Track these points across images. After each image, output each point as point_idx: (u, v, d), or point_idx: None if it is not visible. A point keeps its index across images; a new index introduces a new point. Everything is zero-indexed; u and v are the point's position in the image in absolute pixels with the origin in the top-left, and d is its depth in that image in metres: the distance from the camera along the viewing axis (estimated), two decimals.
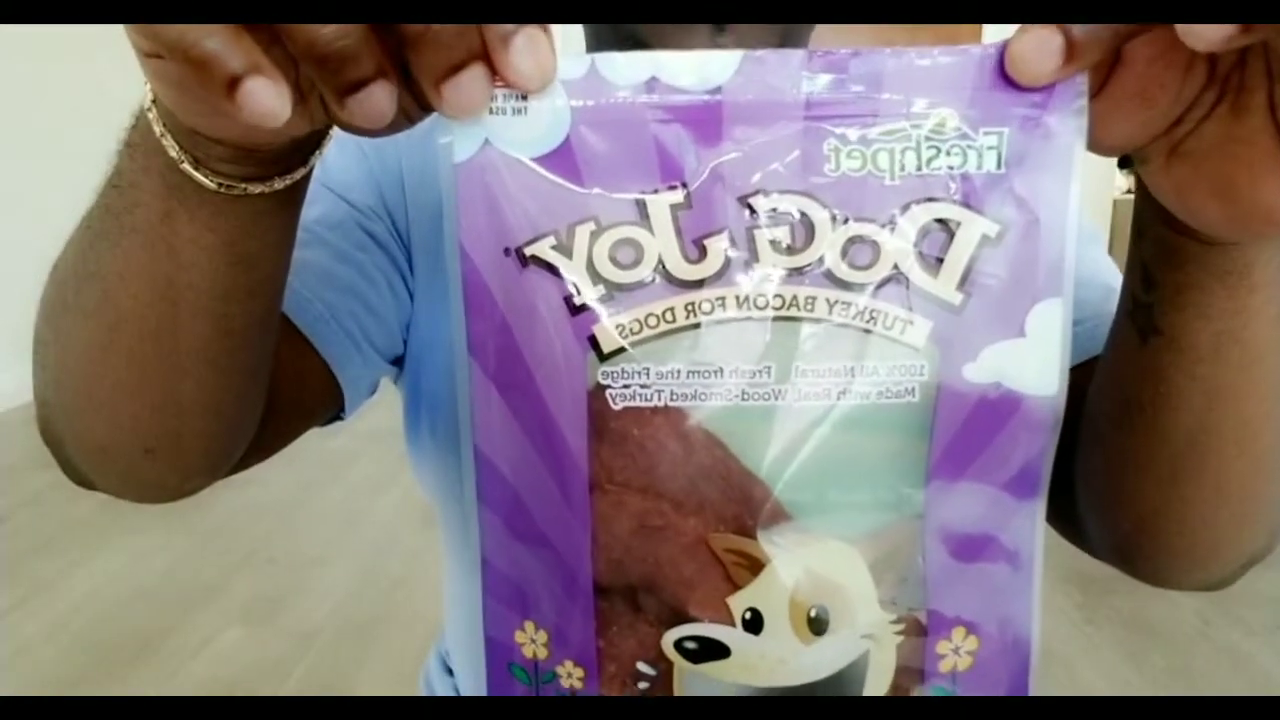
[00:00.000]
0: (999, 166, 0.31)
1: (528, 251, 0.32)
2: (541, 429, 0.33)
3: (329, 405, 0.51)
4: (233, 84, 0.25)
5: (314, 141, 0.33)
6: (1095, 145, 0.32)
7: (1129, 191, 3.26)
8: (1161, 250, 0.34)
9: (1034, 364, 0.32)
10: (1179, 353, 0.35)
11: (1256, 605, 1.89)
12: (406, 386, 0.57)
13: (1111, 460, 0.40)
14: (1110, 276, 0.52)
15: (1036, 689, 0.36)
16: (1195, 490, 0.38)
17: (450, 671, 0.69)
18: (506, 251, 0.32)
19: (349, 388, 0.50)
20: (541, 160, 0.31)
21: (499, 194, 0.31)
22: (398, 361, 0.55)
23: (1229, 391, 0.36)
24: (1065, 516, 0.45)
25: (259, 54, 0.26)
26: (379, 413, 0.62)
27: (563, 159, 0.31)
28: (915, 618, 0.35)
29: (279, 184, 0.33)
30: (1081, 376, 0.41)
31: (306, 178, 0.34)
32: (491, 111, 0.30)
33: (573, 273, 0.32)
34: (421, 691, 0.72)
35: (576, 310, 0.32)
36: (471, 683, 0.63)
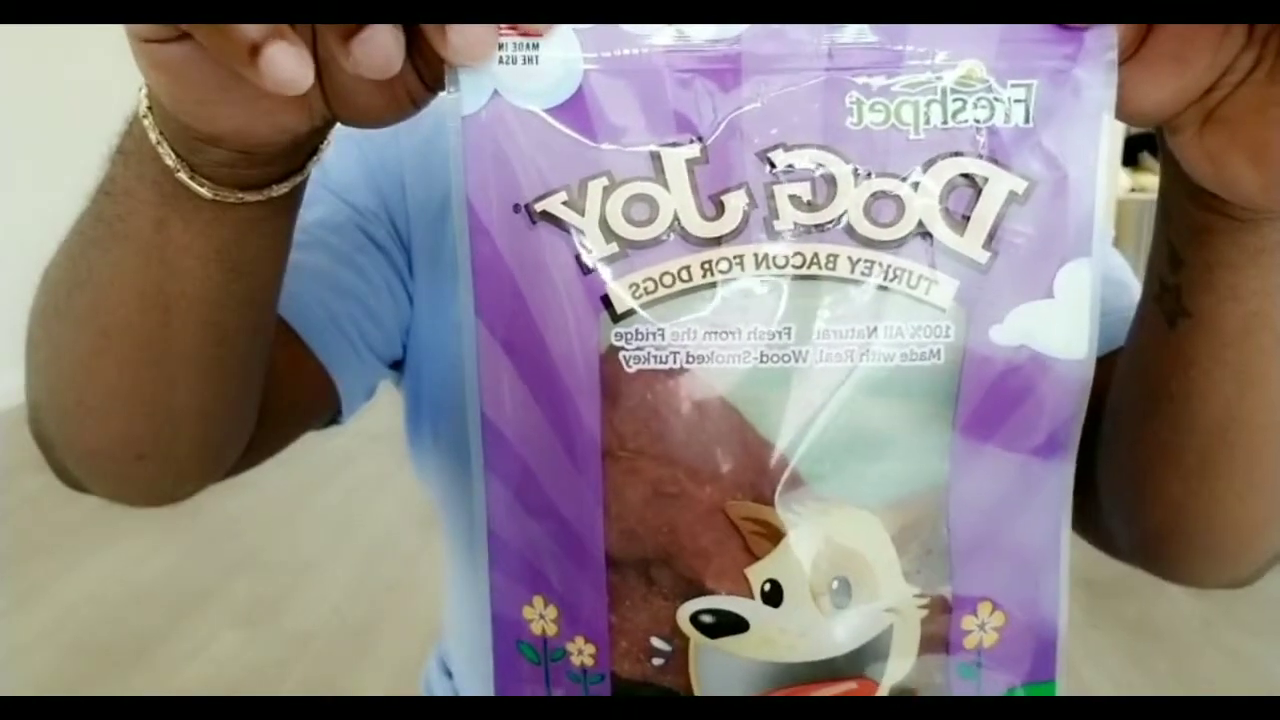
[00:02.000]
0: (1027, 120, 0.30)
1: (538, 208, 0.30)
2: (552, 393, 0.32)
3: (326, 409, 0.50)
4: (254, 51, 0.25)
5: (311, 145, 0.33)
6: (1129, 114, 0.31)
7: (1134, 190, 3.24)
8: (1190, 229, 0.33)
9: (1062, 326, 0.31)
10: (1208, 336, 0.34)
11: (1260, 607, 1.87)
12: (407, 390, 0.56)
13: (1137, 454, 0.39)
14: (1123, 273, 0.51)
15: None
16: (1224, 482, 0.37)
17: (450, 675, 0.68)
18: (516, 208, 0.30)
19: (346, 391, 0.49)
20: (552, 112, 0.30)
21: (508, 148, 0.30)
22: (396, 365, 0.55)
23: (1259, 376, 0.35)
24: (1088, 519, 0.44)
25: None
26: (377, 414, 0.62)
27: (575, 111, 0.30)
28: (940, 592, 0.33)
29: (275, 191, 0.33)
30: (1099, 374, 0.40)
31: (302, 186, 0.34)
32: (501, 61, 0.29)
33: (585, 230, 0.30)
34: (422, 695, 0.70)
35: (588, 269, 0.31)
36: (472, 686, 0.62)
